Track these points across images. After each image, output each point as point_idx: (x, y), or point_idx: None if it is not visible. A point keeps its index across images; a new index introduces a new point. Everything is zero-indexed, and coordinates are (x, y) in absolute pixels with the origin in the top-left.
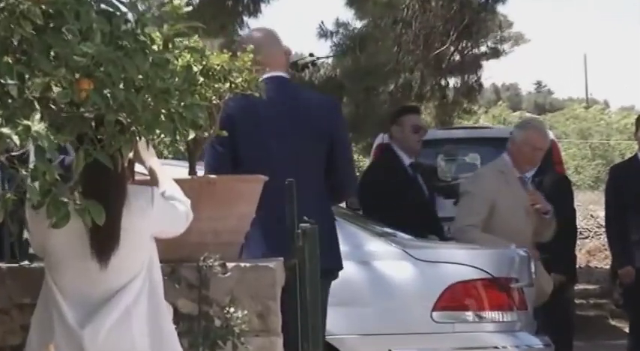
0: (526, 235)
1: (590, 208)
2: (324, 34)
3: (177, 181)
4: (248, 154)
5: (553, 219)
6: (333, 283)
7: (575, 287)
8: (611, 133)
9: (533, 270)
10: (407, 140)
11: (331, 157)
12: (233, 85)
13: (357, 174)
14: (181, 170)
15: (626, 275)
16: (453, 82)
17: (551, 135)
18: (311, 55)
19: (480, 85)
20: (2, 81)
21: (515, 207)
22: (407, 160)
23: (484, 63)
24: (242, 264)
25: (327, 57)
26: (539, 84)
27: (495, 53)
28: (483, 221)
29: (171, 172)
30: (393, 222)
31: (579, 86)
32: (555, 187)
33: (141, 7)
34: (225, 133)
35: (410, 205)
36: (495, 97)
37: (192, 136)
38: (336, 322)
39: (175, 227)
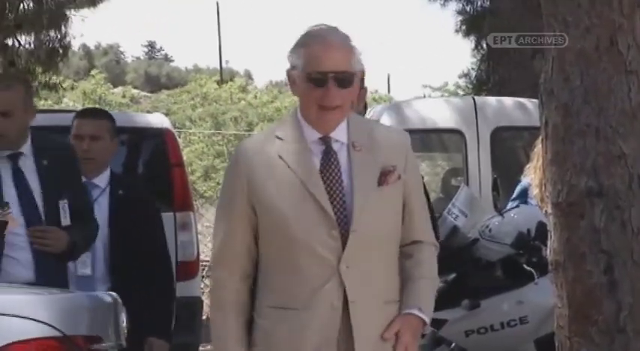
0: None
1: None
2: None
3: None
4: None
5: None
6: None
7: None
8: (257, 121)
9: (124, 324)
10: None
11: None
12: None
13: None
14: None
15: None
16: (25, 40)
17: (167, 123)
18: None
19: (66, 47)
20: None
21: (290, 198)
22: None
23: (73, 14)
24: None
25: None
26: (151, 47)
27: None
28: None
29: None
30: None
31: (211, 51)
32: (139, 206)
33: None
34: None
35: None
36: (87, 64)
37: None
38: None
39: None
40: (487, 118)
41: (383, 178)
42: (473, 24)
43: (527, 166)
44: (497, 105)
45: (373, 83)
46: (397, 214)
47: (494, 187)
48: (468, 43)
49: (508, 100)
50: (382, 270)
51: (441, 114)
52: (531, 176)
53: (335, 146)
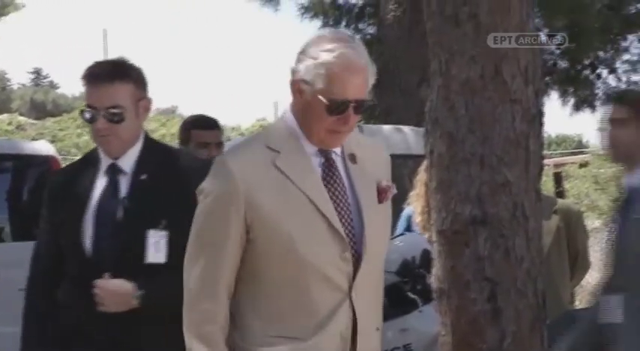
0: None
1: None
2: None
3: None
4: None
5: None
6: None
7: None
8: None
9: None
10: None
11: None
12: None
13: None
14: None
15: None
16: None
17: (52, 150)
18: None
19: None
20: None
21: (297, 216)
22: None
23: None
24: None
25: None
26: (37, 74)
27: None
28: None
29: None
30: None
31: None
32: None
33: None
34: None
35: None
36: None
37: None
38: None
39: None
40: None
41: (383, 194)
42: None
43: (411, 193)
44: (383, 133)
45: (261, 111)
46: (389, 234)
47: None
48: None
49: (394, 129)
50: (377, 295)
51: None
52: (414, 204)
53: (334, 158)
